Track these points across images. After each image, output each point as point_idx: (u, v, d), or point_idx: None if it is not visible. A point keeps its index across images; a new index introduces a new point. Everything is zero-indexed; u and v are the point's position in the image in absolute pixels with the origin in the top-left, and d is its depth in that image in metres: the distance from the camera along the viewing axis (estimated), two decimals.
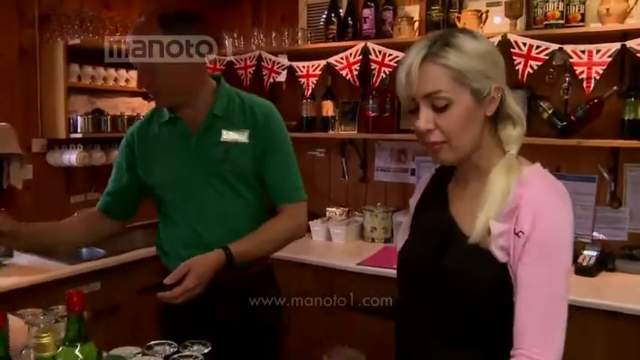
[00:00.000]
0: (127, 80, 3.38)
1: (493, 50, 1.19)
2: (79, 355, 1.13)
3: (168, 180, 1.81)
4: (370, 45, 3.03)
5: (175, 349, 1.26)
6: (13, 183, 2.80)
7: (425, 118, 1.15)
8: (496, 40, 2.68)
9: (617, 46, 2.49)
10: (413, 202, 1.42)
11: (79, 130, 3.12)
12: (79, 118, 3.12)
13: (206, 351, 1.26)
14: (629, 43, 2.47)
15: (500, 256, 1.14)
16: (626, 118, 2.58)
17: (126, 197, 1.93)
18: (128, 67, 3.33)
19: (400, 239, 1.40)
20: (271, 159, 1.81)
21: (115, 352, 1.26)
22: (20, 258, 2.76)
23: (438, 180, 1.36)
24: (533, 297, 1.11)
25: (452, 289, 1.19)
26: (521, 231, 1.11)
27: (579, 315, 2.25)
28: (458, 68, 1.13)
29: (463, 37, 1.15)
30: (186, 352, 1.25)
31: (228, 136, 1.77)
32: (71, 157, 3.13)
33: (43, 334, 0.92)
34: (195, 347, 1.27)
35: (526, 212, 1.12)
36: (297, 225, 1.85)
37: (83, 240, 2.06)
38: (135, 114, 3.40)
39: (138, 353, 1.27)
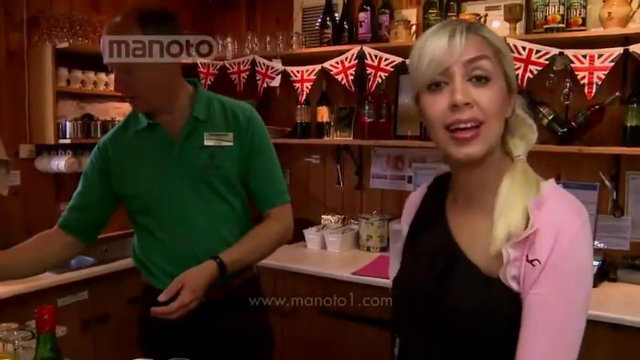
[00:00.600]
0: None
1: None
2: None
3: (150, 190, 1.73)
4: (366, 49, 2.97)
5: None
6: None
7: (462, 90, 1.00)
8: None
9: (619, 50, 2.44)
10: (405, 222, 1.28)
11: (67, 136, 3.05)
12: (67, 123, 3.05)
13: None
14: (632, 48, 2.42)
15: (514, 286, 1.00)
16: (629, 124, 2.54)
17: (94, 212, 1.82)
18: None
19: (394, 265, 1.27)
20: (256, 162, 1.78)
21: None
22: None
23: (433, 196, 1.23)
24: (546, 335, 0.97)
25: (462, 327, 1.04)
26: (536, 259, 0.97)
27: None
28: (499, 47, 1.05)
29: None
30: None
31: (211, 140, 1.72)
32: (60, 163, 3.06)
33: (3, 358, 0.85)
34: None
35: (543, 238, 0.98)
36: (285, 227, 1.82)
37: (28, 272, 1.81)
38: None
39: None
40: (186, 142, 1.72)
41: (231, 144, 1.73)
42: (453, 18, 0.98)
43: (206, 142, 1.71)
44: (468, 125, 1.01)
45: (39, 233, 1.82)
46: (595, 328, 2.17)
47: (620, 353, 2.17)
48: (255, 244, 1.75)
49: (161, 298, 1.52)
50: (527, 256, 0.99)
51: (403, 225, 1.30)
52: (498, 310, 1.01)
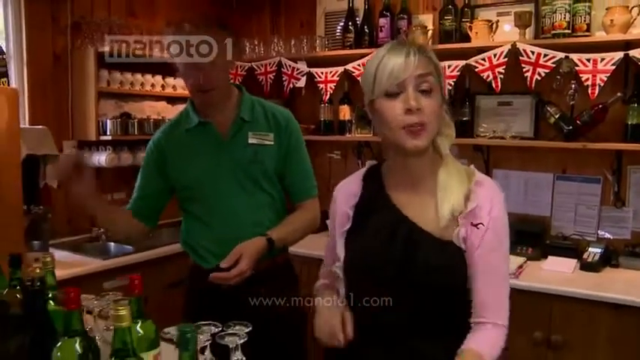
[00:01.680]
0: (152, 85, 3.54)
1: None
2: (140, 331, 1.28)
3: (201, 181, 1.94)
4: None
5: (220, 329, 1.38)
6: (49, 182, 2.98)
7: (414, 97, 1.29)
8: (506, 48, 2.83)
9: (620, 55, 2.62)
10: (348, 207, 1.48)
11: (108, 133, 3.27)
12: (108, 121, 3.26)
13: (247, 330, 1.36)
14: (632, 53, 2.60)
15: (463, 246, 1.33)
16: (630, 123, 2.72)
17: (154, 201, 2.05)
18: (154, 72, 3.50)
19: (340, 247, 1.47)
20: (292, 160, 2.00)
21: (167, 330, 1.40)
22: (56, 254, 2.92)
23: (371, 184, 1.48)
24: (494, 277, 1.34)
25: (430, 281, 1.32)
26: (480, 223, 1.32)
27: (585, 307, 2.41)
28: (439, 67, 1.35)
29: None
30: (230, 331, 1.36)
31: (254, 138, 1.94)
32: (101, 159, 3.29)
33: (120, 307, 1.06)
34: (237, 327, 1.38)
35: (483, 209, 1.33)
36: (315, 216, 2.05)
37: (136, 233, 2.17)
38: (160, 117, 3.54)
39: None
40: (233, 139, 1.93)
41: (272, 143, 1.95)
42: (399, 39, 1.37)
43: (250, 141, 1.93)
44: (417, 125, 1.31)
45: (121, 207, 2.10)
46: (599, 307, 2.39)
47: (620, 330, 2.38)
48: (292, 227, 1.97)
49: (223, 264, 1.74)
50: (471, 222, 1.32)
51: (345, 210, 1.49)
52: (454, 266, 1.33)
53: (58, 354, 1.18)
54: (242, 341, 1.34)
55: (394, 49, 1.32)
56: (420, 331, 1.35)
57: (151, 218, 2.08)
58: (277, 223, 1.96)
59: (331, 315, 1.43)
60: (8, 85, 2.40)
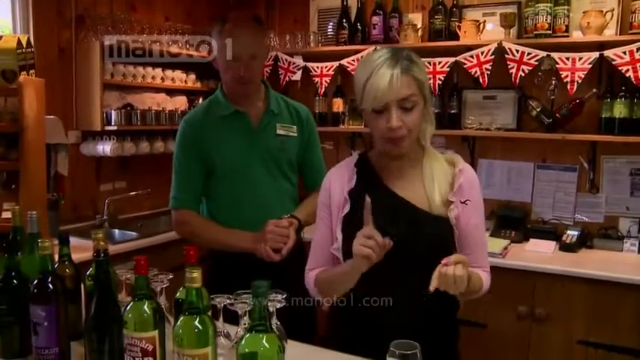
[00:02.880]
0: (152, 77, 3.66)
1: None
2: None
3: (234, 164, 2.08)
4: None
5: None
6: (60, 170, 3.09)
7: (397, 117, 1.46)
8: (493, 46, 3.05)
9: (596, 54, 2.86)
10: (344, 193, 1.62)
11: (113, 123, 3.37)
12: (112, 112, 3.37)
13: (281, 297, 1.46)
14: (606, 53, 2.84)
15: (454, 221, 1.56)
16: (603, 116, 2.97)
17: (198, 185, 2.12)
18: (154, 65, 3.64)
19: (338, 230, 1.60)
20: (310, 151, 2.21)
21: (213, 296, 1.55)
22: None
23: (364, 171, 1.64)
24: (480, 237, 1.64)
25: (432, 249, 1.49)
26: (468, 199, 1.57)
27: (565, 283, 2.67)
28: (422, 80, 1.50)
29: (416, 57, 1.53)
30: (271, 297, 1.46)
31: (282, 130, 2.12)
32: (105, 148, 3.39)
33: (193, 270, 1.22)
34: (273, 294, 1.47)
35: (468, 188, 1.58)
36: None
37: None
38: (160, 108, 3.66)
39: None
40: (264, 129, 2.10)
41: (295, 135, 2.15)
42: (389, 51, 1.48)
43: (278, 132, 2.11)
44: (399, 138, 1.50)
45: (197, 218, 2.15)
46: (577, 283, 2.65)
47: (595, 302, 2.64)
48: (311, 210, 2.09)
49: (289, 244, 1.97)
50: (460, 200, 1.56)
51: (342, 195, 1.62)
52: (447, 237, 1.56)
53: (130, 315, 1.34)
54: (280, 306, 1.46)
55: (384, 64, 1.45)
56: (416, 299, 1.50)
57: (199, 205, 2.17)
58: (294, 207, 2.14)
59: (360, 233, 1.45)
60: (35, 76, 2.50)
